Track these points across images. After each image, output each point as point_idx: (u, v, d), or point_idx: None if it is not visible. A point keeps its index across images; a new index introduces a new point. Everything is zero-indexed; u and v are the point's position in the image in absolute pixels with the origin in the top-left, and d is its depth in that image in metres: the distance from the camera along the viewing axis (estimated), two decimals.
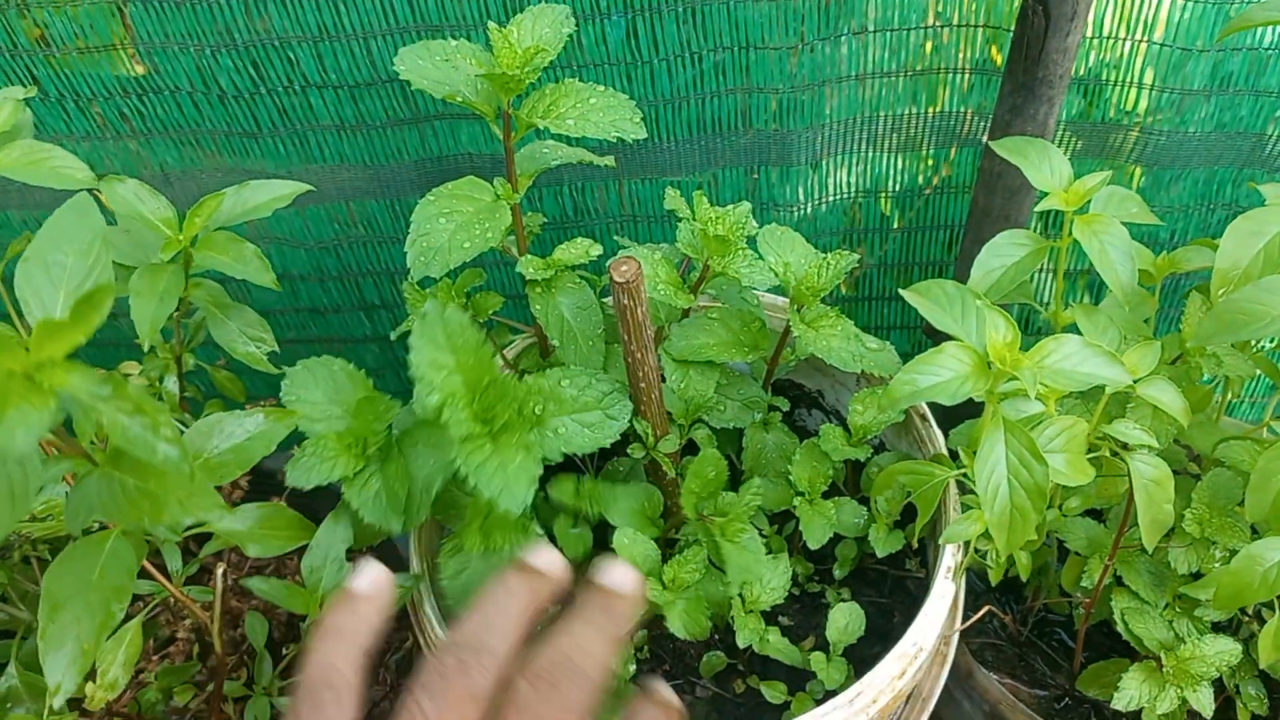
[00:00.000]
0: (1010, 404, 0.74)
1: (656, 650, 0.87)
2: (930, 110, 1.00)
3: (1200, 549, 0.81)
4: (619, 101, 0.80)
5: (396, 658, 0.97)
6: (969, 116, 1.00)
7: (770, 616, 0.87)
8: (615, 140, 0.78)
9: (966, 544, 0.81)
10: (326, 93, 0.97)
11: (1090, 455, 0.78)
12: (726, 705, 0.84)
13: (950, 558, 0.80)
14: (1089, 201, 0.81)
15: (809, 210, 1.07)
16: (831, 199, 1.07)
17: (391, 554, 0.94)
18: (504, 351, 0.96)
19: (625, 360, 0.77)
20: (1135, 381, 0.75)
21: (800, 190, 1.05)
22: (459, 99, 0.78)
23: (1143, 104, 0.99)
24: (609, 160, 0.89)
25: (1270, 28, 0.92)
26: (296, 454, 0.76)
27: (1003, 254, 0.81)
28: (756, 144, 1.01)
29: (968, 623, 0.83)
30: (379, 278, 1.16)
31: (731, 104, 0.98)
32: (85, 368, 0.42)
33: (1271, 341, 1.05)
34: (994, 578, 0.85)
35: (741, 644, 0.80)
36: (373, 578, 0.51)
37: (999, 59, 0.97)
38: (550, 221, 1.09)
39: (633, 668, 0.85)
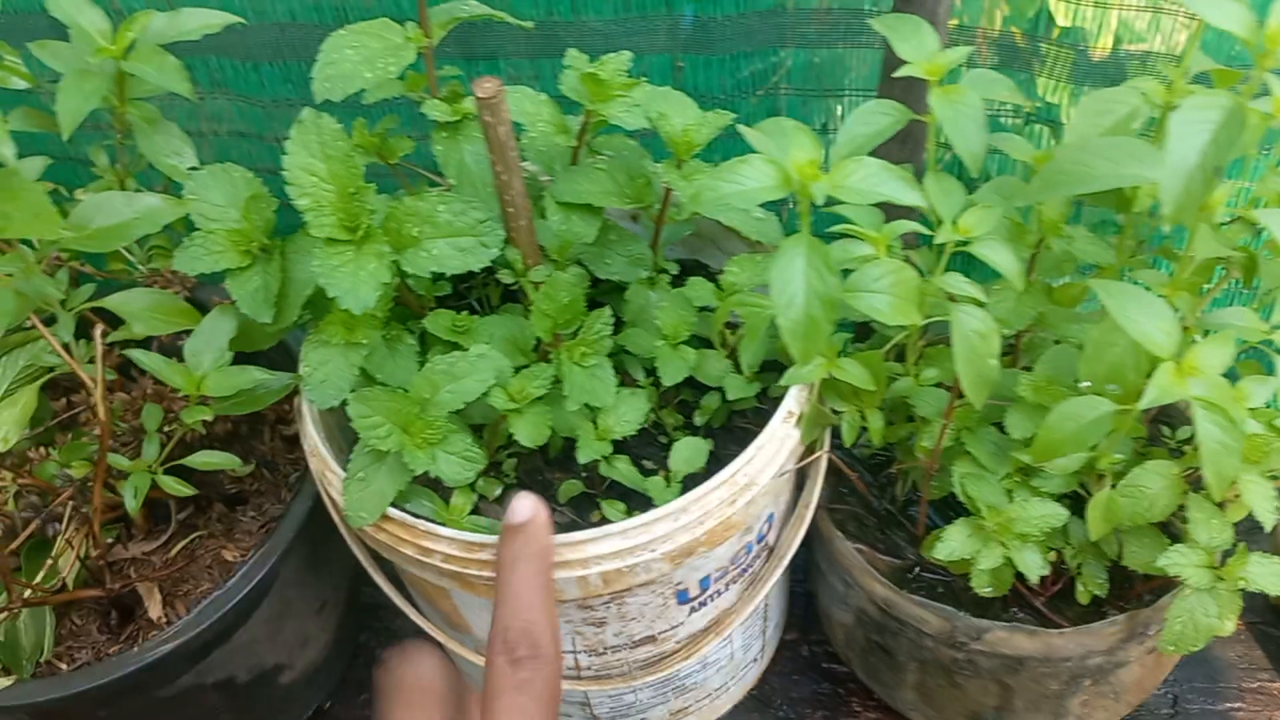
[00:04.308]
0: (840, 245, 0.78)
1: (522, 479, 0.92)
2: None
3: (1035, 415, 0.83)
4: None
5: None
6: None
7: (635, 457, 0.91)
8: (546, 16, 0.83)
9: (811, 392, 0.85)
10: None
11: (938, 318, 0.81)
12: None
13: (793, 401, 0.84)
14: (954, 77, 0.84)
15: (730, 101, 1.11)
16: (748, 91, 1.10)
17: (285, 357, 1.00)
18: None
19: (496, 182, 0.83)
20: (967, 241, 0.78)
21: (723, 81, 1.10)
22: None
23: None
24: (528, 25, 0.95)
25: None
26: (185, 242, 0.83)
27: (868, 121, 0.84)
28: (680, 32, 1.06)
29: (802, 462, 0.86)
30: None
31: None
32: None
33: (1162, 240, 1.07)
34: (847, 439, 0.89)
35: (582, 460, 0.85)
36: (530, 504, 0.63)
37: None
38: None
39: (499, 491, 0.91)
